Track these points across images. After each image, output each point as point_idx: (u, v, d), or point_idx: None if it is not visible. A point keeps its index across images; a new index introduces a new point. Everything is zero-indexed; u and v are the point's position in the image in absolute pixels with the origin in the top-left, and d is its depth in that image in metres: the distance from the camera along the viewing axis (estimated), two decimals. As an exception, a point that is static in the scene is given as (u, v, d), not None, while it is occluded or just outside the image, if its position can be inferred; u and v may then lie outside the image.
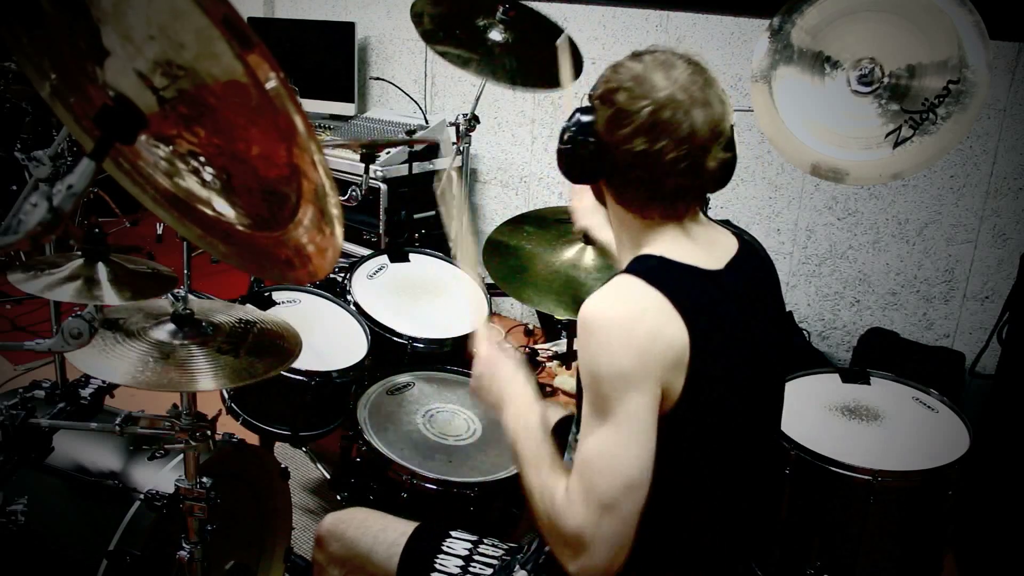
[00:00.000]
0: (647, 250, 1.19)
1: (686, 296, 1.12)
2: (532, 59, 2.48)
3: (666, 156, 1.13)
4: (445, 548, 1.38)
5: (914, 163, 1.72)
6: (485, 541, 1.40)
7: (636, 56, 1.18)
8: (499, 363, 1.30)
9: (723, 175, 1.20)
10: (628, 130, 1.14)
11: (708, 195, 1.26)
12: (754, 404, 1.24)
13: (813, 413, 1.98)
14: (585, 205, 1.73)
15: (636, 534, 1.11)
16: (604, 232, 1.75)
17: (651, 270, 1.14)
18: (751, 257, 1.27)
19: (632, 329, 1.08)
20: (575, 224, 1.79)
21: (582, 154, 1.21)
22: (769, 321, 1.27)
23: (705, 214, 1.28)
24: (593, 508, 1.06)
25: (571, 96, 1.53)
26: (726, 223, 1.34)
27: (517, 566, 1.34)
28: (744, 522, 1.28)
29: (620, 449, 1.07)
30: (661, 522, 1.18)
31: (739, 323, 1.19)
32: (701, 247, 1.21)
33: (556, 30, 2.47)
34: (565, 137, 1.22)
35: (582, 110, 1.21)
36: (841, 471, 1.77)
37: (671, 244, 1.19)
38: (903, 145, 1.70)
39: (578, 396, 1.22)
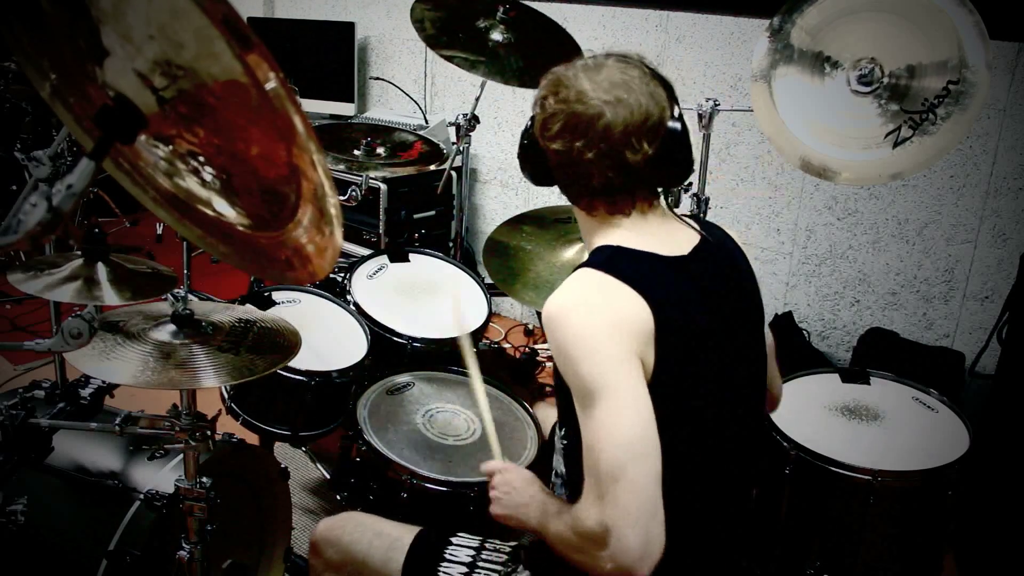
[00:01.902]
0: (602, 242, 1.24)
1: (644, 279, 1.16)
2: (538, 56, 2.49)
3: (584, 155, 1.19)
4: (448, 555, 1.37)
5: (914, 163, 1.72)
6: (487, 546, 1.40)
7: (571, 63, 1.25)
8: (515, 480, 1.32)
9: (668, 170, 1.24)
10: (552, 132, 1.22)
11: (661, 189, 1.29)
12: (728, 387, 1.25)
13: (813, 413, 1.98)
14: None
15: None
16: None
17: (607, 259, 1.20)
18: (716, 246, 1.30)
19: (598, 313, 1.13)
20: None
21: (526, 157, 1.30)
22: (741, 308, 1.29)
23: (671, 208, 1.33)
24: (604, 488, 1.05)
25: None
26: (694, 217, 1.38)
27: (521, 568, 1.34)
28: (726, 507, 1.28)
29: (612, 419, 1.07)
30: None
31: (704, 305, 1.22)
32: (657, 237, 1.24)
33: (556, 27, 2.47)
34: (520, 143, 1.31)
35: (532, 116, 1.29)
36: (841, 471, 1.77)
37: (625, 234, 1.24)
38: (903, 145, 1.70)
39: (558, 397, 1.25)
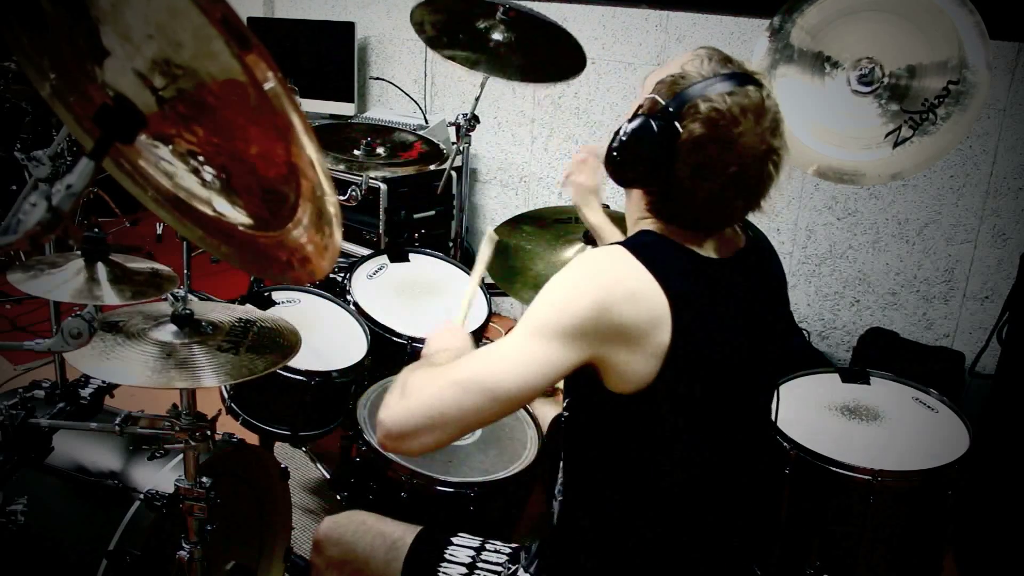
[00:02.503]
0: (648, 226, 1.20)
1: (674, 277, 1.11)
2: (538, 54, 2.49)
3: (730, 202, 1.16)
4: (448, 556, 1.37)
5: (914, 163, 1.72)
6: (488, 547, 1.40)
7: (737, 80, 1.12)
8: (456, 334, 1.39)
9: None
10: (709, 181, 1.13)
11: None
12: (744, 396, 1.23)
13: (813, 413, 1.98)
14: (582, 182, 1.76)
15: (618, 532, 1.15)
16: (595, 215, 1.78)
17: (643, 245, 1.15)
18: (758, 251, 1.28)
19: (603, 286, 1.10)
20: (562, 185, 1.83)
21: (645, 161, 1.15)
22: (771, 317, 1.27)
23: None
24: (450, 377, 1.09)
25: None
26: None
27: (520, 570, 1.34)
28: (737, 517, 1.28)
29: (514, 361, 1.09)
30: (648, 519, 1.18)
31: (734, 313, 1.19)
32: (705, 237, 1.21)
33: (555, 26, 2.47)
34: (632, 138, 1.15)
35: (651, 114, 1.14)
36: (841, 471, 1.77)
37: (673, 227, 1.19)
38: (903, 145, 1.70)
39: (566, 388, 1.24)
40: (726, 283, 1.19)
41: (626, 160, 1.16)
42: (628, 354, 1.09)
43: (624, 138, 1.15)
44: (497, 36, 2.47)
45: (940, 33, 1.66)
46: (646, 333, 1.09)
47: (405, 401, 1.10)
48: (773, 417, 1.37)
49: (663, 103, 1.13)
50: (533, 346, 1.09)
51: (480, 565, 1.35)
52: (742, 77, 1.13)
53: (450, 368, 1.12)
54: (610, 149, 1.18)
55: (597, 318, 1.08)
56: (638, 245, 1.14)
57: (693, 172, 1.12)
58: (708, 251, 1.19)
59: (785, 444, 1.83)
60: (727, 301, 1.18)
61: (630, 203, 1.27)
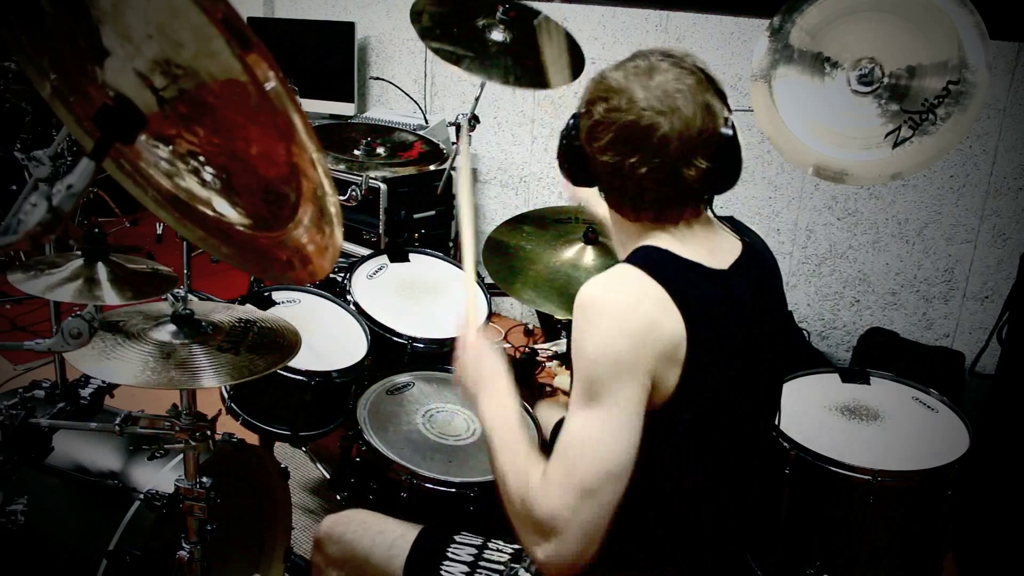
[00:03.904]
0: (645, 243, 1.19)
1: (685, 290, 1.11)
2: (528, 59, 2.48)
3: (638, 170, 1.13)
4: (450, 554, 1.37)
5: (913, 163, 1.71)
6: (490, 545, 1.40)
7: (621, 64, 1.17)
8: (484, 352, 1.29)
9: (719, 180, 1.19)
10: (602, 143, 1.16)
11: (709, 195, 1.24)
12: (750, 402, 1.23)
13: (813, 413, 1.98)
14: None
15: (625, 528, 1.11)
16: (600, 208, 1.74)
17: (652, 262, 1.14)
18: (755, 258, 1.27)
19: (628, 316, 1.08)
20: (566, 194, 1.81)
21: (570, 160, 1.23)
22: (772, 323, 1.26)
23: (713, 212, 1.27)
24: (573, 492, 1.04)
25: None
26: (729, 219, 1.33)
27: (522, 569, 1.33)
28: (736, 519, 1.28)
29: (607, 435, 1.06)
30: (655, 517, 1.18)
31: (740, 323, 1.19)
32: (703, 247, 1.20)
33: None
34: (560, 140, 1.24)
35: (575, 115, 1.23)
36: (841, 471, 1.77)
37: (671, 240, 1.19)
38: (903, 145, 1.70)
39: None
40: (729, 292, 1.19)
41: (560, 159, 1.24)
42: (668, 368, 1.09)
43: (561, 138, 1.23)
44: (496, 36, 2.46)
45: (940, 33, 1.66)
46: (674, 345, 1.09)
47: (555, 539, 1.05)
48: (777, 419, 1.37)
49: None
50: (609, 408, 1.06)
51: (482, 564, 1.35)
52: (639, 54, 1.17)
53: (565, 479, 1.06)
54: (557, 152, 1.25)
55: (638, 348, 1.07)
56: (646, 262, 1.14)
57: (610, 148, 1.15)
58: (708, 262, 1.18)
59: (785, 444, 1.84)
60: (732, 310, 1.18)
61: (613, 222, 1.28)
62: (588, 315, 1.10)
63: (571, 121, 1.22)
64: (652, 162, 1.13)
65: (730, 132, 1.16)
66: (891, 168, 1.74)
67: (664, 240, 1.19)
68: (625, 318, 1.08)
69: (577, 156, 1.21)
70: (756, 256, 1.27)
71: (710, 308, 1.14)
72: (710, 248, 1.21)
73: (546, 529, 1.06)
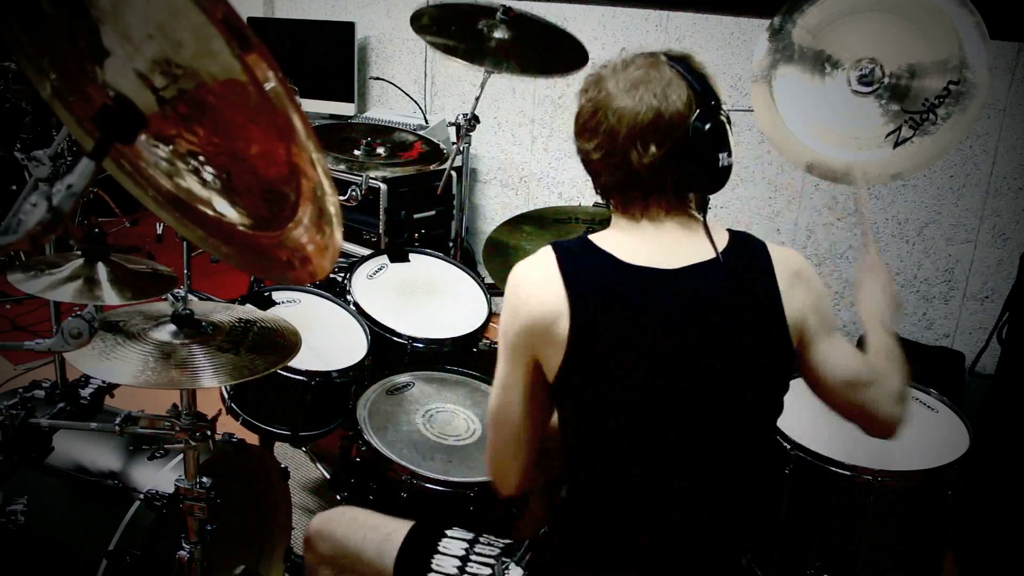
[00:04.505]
0: (592, 236, 1.26)
1: (580, 273, 1.18)
2: (526, 53, 2.48)
3: (591, 155, 1.22)
4: (441, 548, 1.37)
5: (914, 163, 1.71)
6: (481, 540, 1.40)
7: (607, 63, 1.24)
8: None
9: (682, 174, 1.19)
10: (576, 129, 1.25)
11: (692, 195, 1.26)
12: (673, 398, 1.18)
13: (813, 413, 1.97)
14: (867, 295, 1.62)
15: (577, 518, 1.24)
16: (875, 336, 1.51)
17: (567, 246, 1.23)
18: (723, 268, 1.22)
19: (517, 293, 1.22)
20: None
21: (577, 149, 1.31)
22: (730, 331, 1.20)
23: (703, 214, 1.25)
24: (487, 421, 1.32)
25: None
26: (737, 233, 1.28)
27: (512, 564, 1.34)
28: (684, 519, 1.23)
29: (495, 389, 1.28)
30: (607, 501, 1.24)
31: (666, 322, 1.17)
32: (650, 245, 1.20)
33: (555, 29, 2.47)
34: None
35: None
36: (841, 471, 1.77)
37: (614, 234, 1.24)
38: (903, 145, 1.70)
39: None
40: (646, 289, 1.18)
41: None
42: (548, 346, 1.19)
43: None
44: (497, 35, 2.47)
45: (940, 33, 1.66)
46: (552, 323, 1.17)
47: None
48: (770, 426, 1.36)
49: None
50: (500, 369, 1.27)
51: (473, 558, 1.35)
52: (638, 55, 1.24)
53: None
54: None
55: (520, 326, 1.20)
56: (562, 243, 1.24)
57: (581, 135, 1.24)
58: (642, 259, 1.19)
59: (785, 444, 1.84)
60: (643, 305, 1.17)
61: None
62: (506, 291, 1.26)
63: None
64: (604, 147, 1.20)
65: (703, 125, 1.16)
66: (891, 168, 1.74)
67: (613, 232, 1.25)
68: (515, 294, 1.23)
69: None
70: (726, 267, 1.22)
71: (605, 296, 1.18)
72: (662, 247, 1.20)
73: None
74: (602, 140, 1.20)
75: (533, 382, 1.24)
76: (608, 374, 1.18)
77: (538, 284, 1.20)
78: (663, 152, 1.17)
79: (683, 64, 1.19)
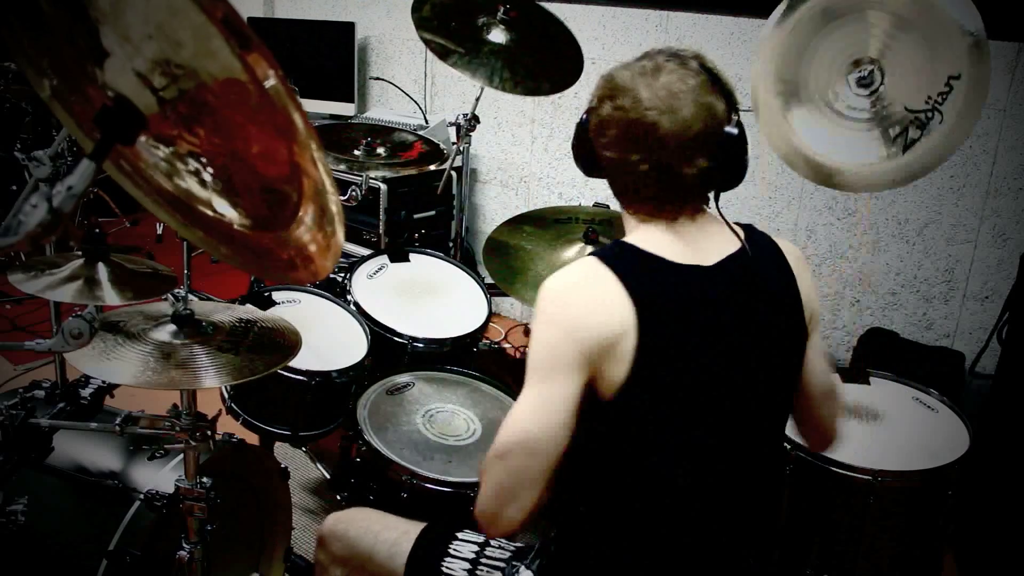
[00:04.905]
0: (627, 238, 1.23)
1: (642, 282, 1.14)
2: (520, 63, 2.47)
3: (638, 167, 1.17)
4: (452, 551, 1.37)
5: (922, 165, 1.69)
6: (492, 543, 1.40)
7: (629, 64, 1.21)
8: None
9: (722, 178, 1.21)
10: (607, 139, 1.20)
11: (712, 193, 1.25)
12: (724, 400, 1.20)
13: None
14: None
15: (620, 528, 1.16)
16: None
17: (614, 254, 1.18)
18: (755, 259, 1.25)
19: (568, 309, 1.15)
20: None
21: (579, 152, 1.28)
22: (763, 323, 1.23)
23: (718, 208, 1.27)
24: (491, 454, 1.15)
25: None
26: (747, 226, 1.30)
27: (523, 567, 1.34)
28: (725, 515, 1.25)
29: (528, 411, 1.14)
30: (633, 505, 1.19)
31: (712, 319, 1.18)
32: (687, 243, 1.21)
33: (558, 30, 2.46)
34: (574, 136, 1.29)
35: (587, 111, 1.26)
36: (841, 471, 1.77)
37: (651, 235, 1.21)
38: (912, 148, 1.68)
39: None
40: (703, 289, 1.19)
41: (575, 152, 1.30)
42: (611, 362, 1.12)
43: (574, 135, 1.28)
44: (496, 35, 2.46)
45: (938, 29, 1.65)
46: (618, 337, 1.12)
47: (480, 497, 1.18)
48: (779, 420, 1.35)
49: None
50: (541, 390, 1.13)
51: (483, 562, 1.35)
52: (647, 55, 1.20)
53: (493, 446, 1.17)
54: (572, 148, 1.31)
55: (574, 342, 1.12)
56: (607, 254, 1.18)
57: (614, 145, 1.19)
58: (684, 257, 1.19)
59: (785, 444, 1.83)
60: (702, 306, 1.18)
61: (624, 215, 1.30)
62: (540, 302, 1.17)
63: (584, 117, 1.27)
64: (651, 160, 1.16)
65: (735, 132, 1.18)
66: (904, 172, 1.71)
67: (648, 233, 1.21)
68: (563, 312, 1.14)
69: (587, 150, 1.26)
70: (757, 258, 1.25)
71: (670, 301, 1.16)
72: (698, 244, 1.21)
73: (480, 481, 1.18)
74: (649, 152, 1.16)
75: (581, 402, 1.15)
76: (675, 379, 1.16)
77: (597, 298, 1.14)
78: (711, 162, 1.17)
79: (704, 67, 1.19)
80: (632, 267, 1.16)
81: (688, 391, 1.17)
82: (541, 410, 1.13)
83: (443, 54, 2.46)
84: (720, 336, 1.19)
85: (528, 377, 1.15)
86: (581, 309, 1.14)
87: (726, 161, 1.19)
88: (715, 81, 1.18)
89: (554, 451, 1.13)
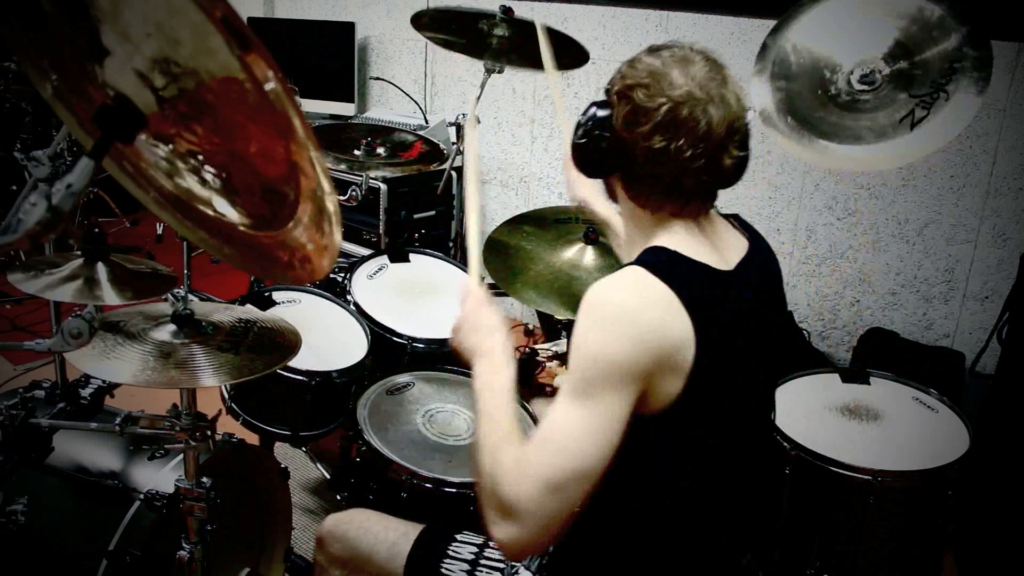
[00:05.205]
0: (658, 243, 1.18)
1: (695, 294, 1.10)
2: (523, 47, 2.47)
3: (684, 154, 1.12)
4: (451, 552, 1.38)
5: (933, 144, 1.67)
6: (491, 544, 1.40)
7: (653, 51, 1.17)
8: (484, 314, 1.27)
9: (736, 173, 1.21)
10: (647, 127, 1.13)
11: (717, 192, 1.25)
12: (753, 404, 1.23)
13: (813, 413, 1.98)
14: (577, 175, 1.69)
15: (627, 537, 1.14)
16: (599, 203, 1.74)
17: (662, 264, 1.13)
18: (760, 257, 1.27)
19: (631, 320, 1.07)
20: (569, 193, 1.80)
21: (598, 149, 1.19)
22: (773, 323, 1.26)
23: (716, 209, 1.28)
24: (542, 485, 1.04)
25: (558, 86, 1.54)
26: (735, 217, 1.32)
27: (522, 568, 1.34)
28: (740, 519, 1.28)
29: (585, 434, 1.05)
30: (658, 520, 1.18)
31: (744, 325, 1.19)
32: (712, 246, 1.20)
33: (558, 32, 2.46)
34: (580, 132, 1.20)
35: (598, 104, 1.20)
36: (841, 471, 1.77)
37: (682, 239, 1.18)
38: (920, 125, 1.66)
39: None
40: (735, 294, 1.19)
41: (583, 150, 1.21)
42: (668, 375, 1.09)
43: (579, 129, 1.20)
44: (497, 33, 2.46)
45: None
46: (678, 350, 1.08)
47: (514, 523, 1.06)
48: (772, 418, 1.37)
49: (607, 88, 1.20)
50: (594, 409, 1.06)
51: (483, 562, 1.35)
52: (664, 46, 1.17)
53: (535, 469, 1.06)
54: (573, 145, 1.21)
55: (639, 354, 1.06)
56: (656, 264, 1.13)
57: (656, 132, 1.13)
58: (716, 262, 1.18)
59: (785, 444, 1.83)
60: (737, 312, 1.18)
61: (626, 218, 1.27)
62: (594, 314, 1.09)
63: (593, 110, 1.20)
64: (698, 147, 1.12)
65: (747, 124, 1.19)
66: (913, 151, 1.69)
67: (676, 237, 1.18)
68: (628, 323, 1.07)
69: (602, 145, 1.19)
70: (760, 255, 1.27)
71: (717, 310, 1.14)
72: (717, 246, 1.21)
73: (508, 512, 1.06)
74: (696, 138, 1.12)
75: (629, 417, 1.08)
76: (726, 391, 1.15)
77: (659, 308, 1.08)
78: (742, 152, 1.16)
79: (718, 61, 1.19)
80: (680, 275, 1.12)
81: (734, 399, 1.17)
82: (598, 432, 1.05)
83: (449, 45, 2.46)
84: (749, 341, 1.19)
85: (575, 393, 1.07)
86: (644, 317, 1.08)
87: (746, 154, 1.19)
88: (730, 77, 1.18)
89: (598, 474, 1.06)
